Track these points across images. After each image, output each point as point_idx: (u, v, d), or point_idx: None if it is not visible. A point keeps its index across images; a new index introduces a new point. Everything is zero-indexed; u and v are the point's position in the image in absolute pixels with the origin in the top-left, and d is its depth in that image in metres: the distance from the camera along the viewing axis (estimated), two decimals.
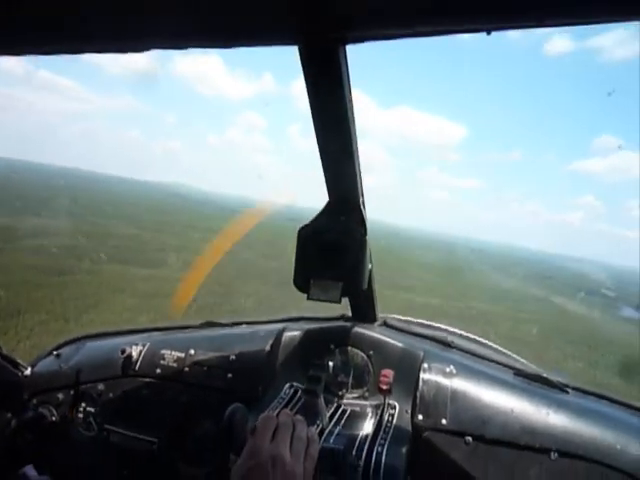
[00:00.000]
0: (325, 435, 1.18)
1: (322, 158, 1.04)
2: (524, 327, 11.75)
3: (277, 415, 0.89)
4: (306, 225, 1.17)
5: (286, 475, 0.78)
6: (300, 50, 0.76)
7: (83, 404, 1.56)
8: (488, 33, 0.58)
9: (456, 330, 1.71)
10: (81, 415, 1.55)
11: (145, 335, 1.66)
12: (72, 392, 1.56)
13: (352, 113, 0.92)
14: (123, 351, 1.52)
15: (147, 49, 0.76)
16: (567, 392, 1.34)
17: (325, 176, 1.11)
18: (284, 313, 1.72)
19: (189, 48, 0.76)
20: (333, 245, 1.14)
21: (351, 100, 0.89)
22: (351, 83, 0.87)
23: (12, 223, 13.51)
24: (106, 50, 0.78)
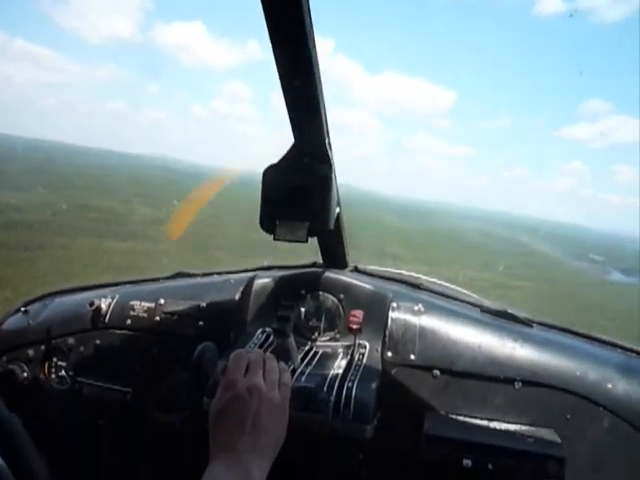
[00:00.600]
0: (297, 375, 1.20)
1: (286, 100, 1.02)
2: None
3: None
4: (271, 166, 1.15)
5: (264, 401, 0.80)
6: None
7: (54, 359, 1.55)
8: None
9: (424, 277, 1.73)
10: (53, 369, 1.55)
11: (114, 288, 1.64)
12: (43, 347, 1.55)
13: (315, 51, 0.89)
14: (92, 304, 1.50)
15: None
16: (531, 326, 1.38)
17: (290, 118, 1.08)
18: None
19: None
20: (298, 185, 1.13)
21: (313, 35, 0.86)
22: (314, 24, 0.84)
23: None
24: None
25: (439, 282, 1.72)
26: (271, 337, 1.36)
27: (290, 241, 1.14)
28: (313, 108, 1.04)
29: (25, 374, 1.54)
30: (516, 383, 1.23)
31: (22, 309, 1.64)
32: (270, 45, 0.89)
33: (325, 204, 1.13)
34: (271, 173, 1.15)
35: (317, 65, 0.93)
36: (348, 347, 1.33)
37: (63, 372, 1.54)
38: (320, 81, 0.98)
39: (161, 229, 11.36)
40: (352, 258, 1.60)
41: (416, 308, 1.34)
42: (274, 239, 1.15)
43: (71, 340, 1.53)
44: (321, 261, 1.59)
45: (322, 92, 1.02)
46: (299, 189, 1.13)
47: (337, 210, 1.22)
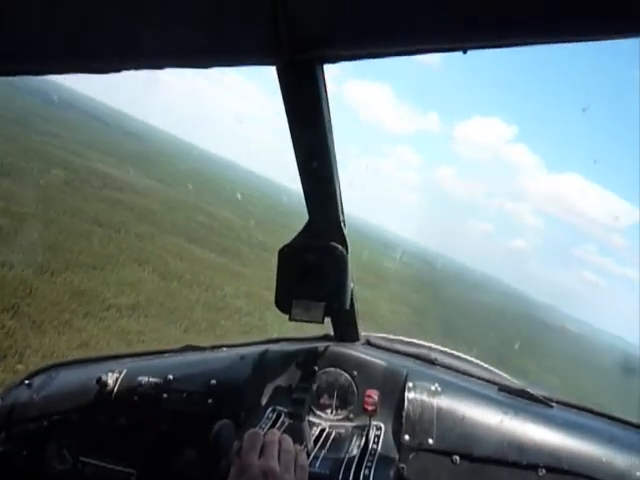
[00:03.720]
0: (310, 460, 1.15)
1: (302, 177, 1.04)
2: None
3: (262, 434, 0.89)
4: (286, 245, 1.16)
5: None
6: (277, 70, 0.76)
7: (56, 436, 1.49)
8: (464, 52, 0.59)
9: (438, 347, 1.71)
10: (54, 447, 1.49)
11: (121, 362, 1.60)
12: (45, 423, 1.49)
13: (331, 133, 0.92)
14: (98, 380, 1.46)
15: (119, 70, 0.74)
16: (551, 406, 1.34)
17: (305, 195, 1.10)
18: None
19: (165, 68, 0.75)
20: (314, 264, 1.13)
21: (330, 119, 0.89)
22: (329, 102, 0.87)
23: None
24: (75, 70, 0.77)
25: (453, 352, 1.69)
26: (282, 416, 1.32)
27: (306, 321, 1.14)
28: (328, 188, 1.06)
29: (24, 452, 1.48)
30: (540, 470, 1.17)
31: (26, 382, 1.59)
32: (288, 128, 0.92)
33: (341, 284, 1.13)
34: (287, 252, 1.16)
35: (333, 147, 0.96)
36: (362, 428, 1.29)
37: (64, 450, 1.48)
38: (336, 162, 1.00)
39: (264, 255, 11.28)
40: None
41: (433, 388, 1.31)
42: (290, 319, 1.14)
43: (75, 416, 1.48)
44: (331, 332, 1.57)
45: (337, 173, 1.04)
46: (314, 268, 1.13)
47: (351, 286, 1.22)
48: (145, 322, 5.82)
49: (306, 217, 1.16)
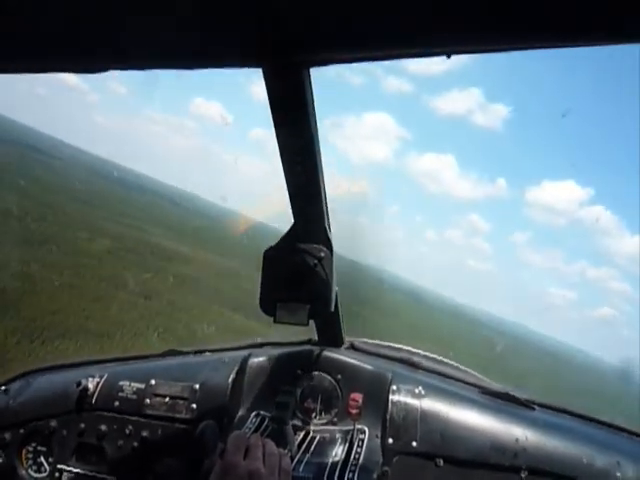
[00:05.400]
0: (294, 463, 1.14)
1: (287, 180, 1.04)
2: None
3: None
4: (271, 247, 1.16)
5: None
6: (263, 73, 0.76)
7: (33, 443, 1.45)
8: (448, 56, 0.59)
9: (420, 351, 1.71)
10: (31, 455, 1.45)
11: (102, 366, 1.57)
12: (21, 430, 1.46)
13: (317, 136, 0.92)
14: (78, 384, 1.43)
15: (103, 70, 0.74)
16: (533, 409, 1.35)
17: (290, 197, 1.10)
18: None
19: (146, 69, 0.74)
20: (299, 267, 1.13)
21: (316, 123, 0.90)
22: (316, 107, 0.87)
23: None
24: (57, 69, 0.76)
25: (435, 357, 1.70)
26: (266, 421, 1.31)
27: (290, 324, 1.13)
28: (313, 191, 1.06)
29: (0, 460, 1.44)
30: (522, 472, 1.18)
31: (2, 388, 1.55)
32: (274, 132, 0.91)
33: (326, 287, 1.13)
34: (272, 254, 1.15)
35: (319, 150, 0.96)
36: (346, 432, 1.29)
37: (42, 458, 1.44)
38: (322, 165, 1.00)
39: None
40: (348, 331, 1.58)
41: (416, 391, 1.31)
42: (274, 321, 1.13)
43: (53, 423, 1.44)
44: (316, 336, 1.56)
45: (323, 176, 1.04)
46: (299, 271, 1.13)
47: (336, 289, 1.22)
48: None
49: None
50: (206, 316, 8.87)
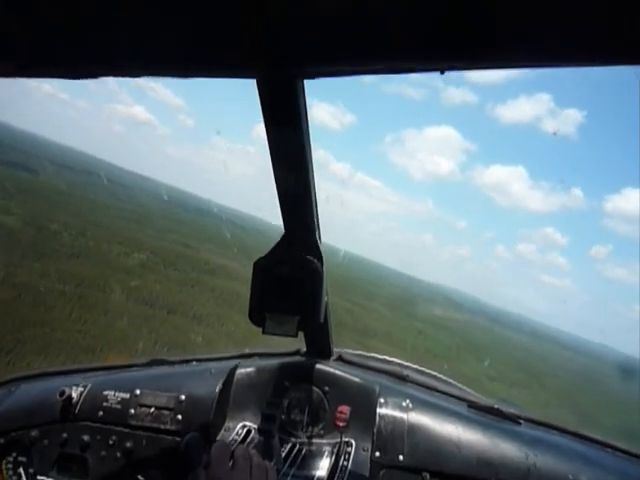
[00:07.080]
0: (280, 477, 1.13)
1: (278, 190, 1.04)
2: None
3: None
4: (261, 257, 1.15)
5: None
6: (257, 83, 0.77)
7: (13, 454, 1.42)
8: (442, 73, 0.60)
9: (410, 364, 1.72)
10: (10, 466, 1.41)
11: (86, 375, 1.55)
12: (1, 440, 1.42)
13: (309, 147, 0.93)
14: (62, 393, 1.40)
15: (99, 76, 0.74)
16: (519, 423, 1.36)
17: (281, 208, 1.10)
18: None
19: (142, 77, 0.74)
20: (289, 278, 1.13)
21: (308, 134, 0.90)
22: (308, 117, 0.88)
23: None
24: (52, 75, 0.76)
25: (424, 370, 1.70)
26: (252, 433, 1.29)
27: (279, 335, 1.12)
28: (305, 202, 1.07)
29: None
30: None
31: None
32: (266, 141, 0.91)
33: (316, 298, 1.13)
34: (262, 265, 1.15)
35: (311, 161, 0.97)
36: (333, 445, 1.28)
37: (21, 469, 1.40)
38: (313, 176, 1.01)
39: None
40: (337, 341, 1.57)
41: (404, 404, 1.31)
42: (263, 333, 1.13)
43: (34, 433, 1.41)
44: (304, 347, 1.56)
45: (315, 187, 1.05)
46: (289, 282, 1.13)
47: (325, 300, 1.22)
48: None
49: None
50: (225, 329, 8.74)
